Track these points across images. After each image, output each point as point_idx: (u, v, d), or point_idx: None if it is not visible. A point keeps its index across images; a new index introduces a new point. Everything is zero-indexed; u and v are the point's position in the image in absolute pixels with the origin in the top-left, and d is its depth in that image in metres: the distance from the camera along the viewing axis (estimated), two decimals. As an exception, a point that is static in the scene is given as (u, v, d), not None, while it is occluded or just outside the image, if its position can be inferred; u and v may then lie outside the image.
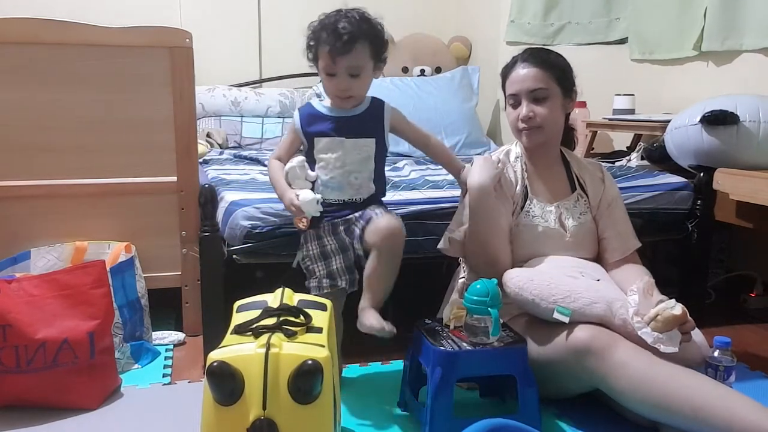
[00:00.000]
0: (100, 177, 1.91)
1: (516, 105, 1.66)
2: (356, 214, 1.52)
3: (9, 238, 1.84)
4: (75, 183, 1.89)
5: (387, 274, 1.49)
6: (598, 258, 1.72)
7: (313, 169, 1.53)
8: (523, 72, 1.64)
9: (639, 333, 1.35)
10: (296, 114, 1.56)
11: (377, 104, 1.56)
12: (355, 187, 1.52)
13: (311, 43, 1.49)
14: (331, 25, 1.45)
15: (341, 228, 1.53)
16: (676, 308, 1.35)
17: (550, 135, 1.68)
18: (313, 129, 1.52)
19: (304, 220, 1.46)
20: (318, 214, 1.47)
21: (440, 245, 1.67)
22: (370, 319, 1.44)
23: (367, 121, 1.53)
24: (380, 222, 1.47)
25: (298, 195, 1.45)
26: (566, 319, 1.40)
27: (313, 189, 1.52)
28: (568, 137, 1.79)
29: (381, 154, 1.55)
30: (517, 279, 1.48)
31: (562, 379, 1.48)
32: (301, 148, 1.56)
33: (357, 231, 1.51)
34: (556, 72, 1.65)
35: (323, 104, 1.54)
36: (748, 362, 1.81)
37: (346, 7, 1.49)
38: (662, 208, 2.10)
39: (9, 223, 1.85)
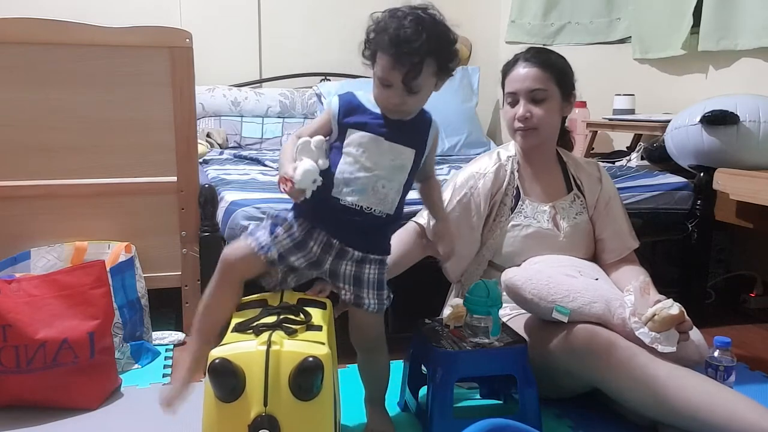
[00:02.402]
0: (100, 177, 1.91)
1: (514, 104, 1.65)
2: (357, 254, 1.30)
3: (9, 238, 1.84)
4: (75, 183, 1.89)
5: (378, 371, 1.41)
6: (595, 258, 1.72)
7: (336, 163, 1.30)
8: (524, 71, 1.63)
9: (636, 333, 1.35)
10: (335, 99, 1.34)
11: (426, 118, 1.38)
12: (379, 196, 1.29)
13: (371, 39, 1.27)
14: (396, 32, 1.20)
15: (334, 250, 1.30)
16: (674, 308, 1.35)
17: (545, 137, 1.67)
18: (350, 120, 1.31)
19: (288, 185, 1.22)
20: (309, 194, 1.23)
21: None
22: (372, 424, 1.40)
23: (412, 131, 1.33)
24: (365, 324, 1.34)
25: (296, 168, 1.23)
26: (565, 319, 1.40)
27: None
28: (565, 139, 1.79)
29: (414, 171, 1.34)
30: (515, 278, 1.48)
31: (562, 378, 1.48)
32: (328, 138, 1.34)
33: (343, 271, 1.30)
34: (557, 74, 1.64)
35: (368, 98, 1.33)
36: (748, 362, 1.81)
37: (411, 6, 1.26)
38: (662, 208, 2.10)
39: (9, 223, 1.85)
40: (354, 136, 1.29)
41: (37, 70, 1.82)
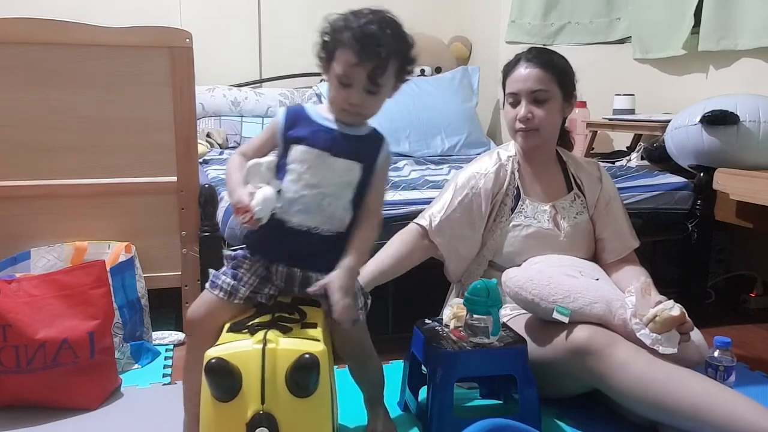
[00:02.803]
0: (100, 177, 1.91)
1: (515, 104, 1.65)
2: (320, 276, 1.21)
3: (9, 238, 1.84)
4: (75, 183, 1.89)
5: (371, 377, 1.38)
6: (596, 258, 1.72)
7: (281, 181, 1.23)
8: (526, 72, 1.63)
9: (638, 335, 1.35)
10: (281, 111, 1.28)
11: (378, 137, 1.30)
12: (326, 214, 1.22)
13: (327, 40, 1.23)
14: (361, 28, 1.18)
15: (297, 280, 1.25)
16: (675, 309, 1.35)
17: (546, 138, 1.67)
18: (294, 133, 1.24)
19: (246, 216, 1.13)
20: (265, 221, 1.16)
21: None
22: (373, 425, 1.38)
23: (361, 146, 1.27)
24: (346, 337, 1.29)
25: (253, 194, 1.15)
26: (566, 319, 1.40)
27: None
28: (565, 139, 1.79)
29: (362, 187, 1.26)
30: (516, 278, 1.48)
31: (562, 379, 1.48)
32: (274, 153, 1.28)
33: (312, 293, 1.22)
34: (559, 75, 1.63)
35: (319, 111, 1.27)
36: (748, 362, 1.81)
37: (372, 7, 1.24)
38: (662, 208, 2.10)
39: (9, 223, 1.85)
40: (298, 152, 1.23)
41: (37, 70, 1.82)
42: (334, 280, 1.18)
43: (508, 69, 1.68)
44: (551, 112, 1.63)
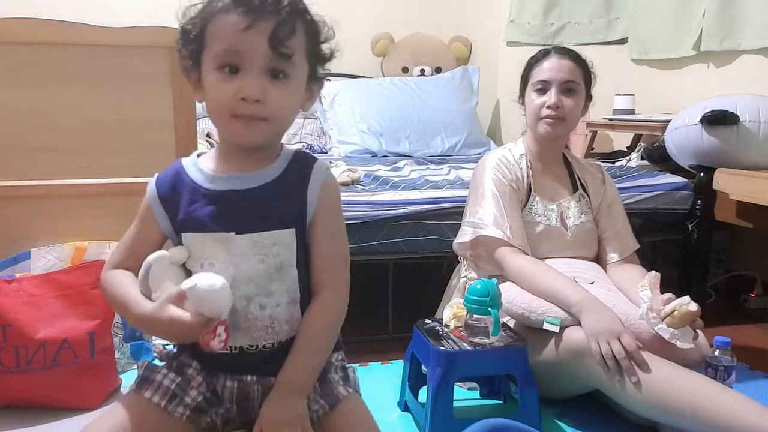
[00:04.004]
0: (100, 177, 1.90)
1: (543, 92, 1.65)
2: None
3: (9, 238, 1.84)
4: (75, 183, 1.88)
5: None
6: (597, 258, 1.73)
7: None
8: (560, 62, 1.65)
9: (655, 329, 1.35)
10: (151, 184, 0.94)
11: (303, 163, 0.90)
12: (261, 323, 0.86)
13: (189, 27, 0.90)
14: None
15: (256, 395, 0.89)
16: (692, 305, 1.35)
17: (567, 130, 1.69)
18: (180, 214, 0.88)
19: (219, 330, 0.79)
20: (227, 314, 0.81)
21: (465, 239, 1.64)
22: None
23: (282, 196, 0.87)
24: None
25: (188, 288, 0.79)
26: (556, 329, 1.41)
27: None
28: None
29: (306, 257, 0.89)
30: (506, 294, 1.48)
31: (562, 379, 1.48)
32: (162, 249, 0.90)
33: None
34: (586, 72, 1.68)
35: (202, 164, 0.91)
36: (748, 362, 1.81)
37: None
38: (662, 208, 2.11)
39: (9, 223, 1.85)
40: (192, 245, 0.87)
41: (37, 70, 1.82)
42: (264, 416, 0.81)
43: (536, 60, 1.70)
44: (578, 104, 1.66)
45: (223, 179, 0.88)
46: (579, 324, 1.41)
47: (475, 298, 1.37)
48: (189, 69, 0.89)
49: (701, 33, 2.53)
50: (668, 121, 2.23)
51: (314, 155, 0.94)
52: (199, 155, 0.94)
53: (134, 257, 0.89)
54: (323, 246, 0.89)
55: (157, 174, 0.94)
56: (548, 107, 1.63)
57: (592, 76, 1.70)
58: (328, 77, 0.94)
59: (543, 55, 1.69)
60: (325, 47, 0.91)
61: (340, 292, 0.90)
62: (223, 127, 0.87)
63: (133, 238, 0.92)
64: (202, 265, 0.85)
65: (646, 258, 1.97)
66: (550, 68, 1.65)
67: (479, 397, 1.61)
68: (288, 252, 0.86)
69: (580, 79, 1.65)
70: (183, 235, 0.88)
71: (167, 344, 0.93)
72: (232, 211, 0.86)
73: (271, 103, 0.83)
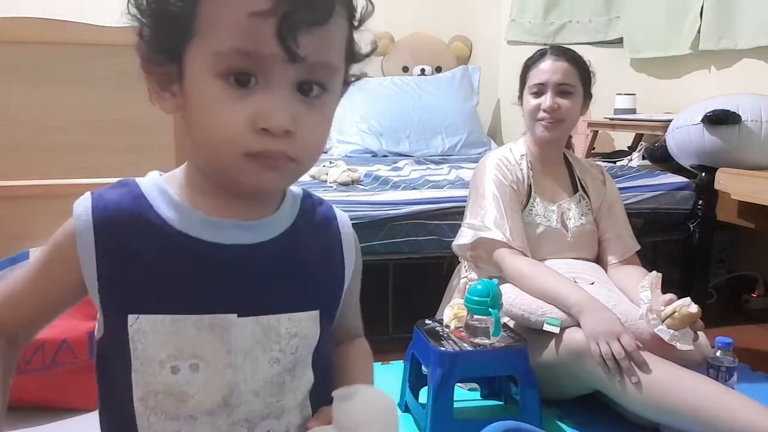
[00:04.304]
0: (100, 177, 1.89)
1: (539, 95, 1.65)
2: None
3: (8, 238, 1.84)
4: (75, 183, 1.88)
5: None
6: (597, 259, 1.72)
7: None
8: (554, 64, 1.64)
9: (655, 330, 1.35)
10: (83, 206, 0.65)
11: (318, 207, 0.66)
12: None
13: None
14: None
15: None
16: (692, 306, 1.35)
17: (565, 132, 1.69)
18: (137, 275, 0.60)
19: None
20: None
21: (465, 241, 1.63)
22: None
23: (296, 256, 0.61)
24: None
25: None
26: (557, 330, 1.41)
27: None
28: (568, 142, 1.80)
29: (326, 341, 0.64)
30: (506, 295, 1.48)
31: (562, 380, 1.48)
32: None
33: None
34: (584, 74, 1.66)
35: (176, 199, 0.61)
36: (749, 363, 1.80)
37: None
38: (664, 208, 2.10)
39: (8, 223, 1.85)
40: (144, 330, 0.60)
41: (37, 69, 1.82)
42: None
43: (532, 61, 1.69)
44: (575, 105, 1.65)
45: (215, 225, 0.56)
46: (579, 325, 1.41)
47: (475, 298, 1.37)
48: (157, 64, 0.59)
49: (701, 32, 2.52)
50: (669, 121, 2.22)
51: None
52: (161, 176, 0.63)
53: (26, 320, 0.58)
54: (352, 306, 0.68)
55: (90, 193, 0.60)
56: (544, 110, 1.63)
57: (591, 74, 1.69)
58: (358, 78, 0.62)
59: (539, 56, 1.68)
60: (364, 40, 0.60)
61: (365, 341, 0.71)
62: (228, 169, 0.54)
63: (29, 292, 0.60)
64: (174, 370, 0.54)
65: (647, 258, 1.96)
66: (546, 70, 1.64)
67: (480, 397, 1.60)
68: (307, 346, 0.59)
69: (577, 80, 1.64)
70: (137, 316, 0.57)
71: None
72: (233, 280, 0.56)
73: (304, 134, 0.53)
